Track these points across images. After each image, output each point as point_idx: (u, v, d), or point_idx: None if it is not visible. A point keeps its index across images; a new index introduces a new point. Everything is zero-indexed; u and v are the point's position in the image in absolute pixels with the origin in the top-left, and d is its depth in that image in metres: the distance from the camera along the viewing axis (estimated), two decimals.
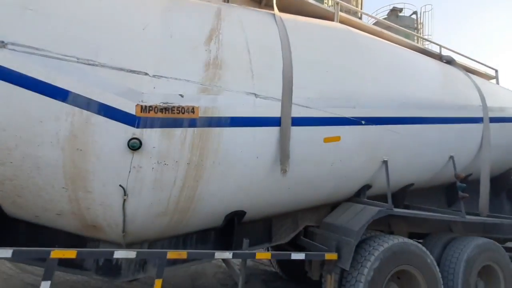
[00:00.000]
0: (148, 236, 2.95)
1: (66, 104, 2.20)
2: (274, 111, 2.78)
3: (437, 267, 3.49)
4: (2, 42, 2.08)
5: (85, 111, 2.24)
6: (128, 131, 2.31)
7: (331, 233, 3.35)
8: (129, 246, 2.89)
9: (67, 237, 2.79)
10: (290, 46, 2.98)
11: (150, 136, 2.38)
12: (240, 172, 2.78)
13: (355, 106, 3.16)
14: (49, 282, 2.14)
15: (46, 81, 2.15)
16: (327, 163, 3.16)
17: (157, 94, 2.39)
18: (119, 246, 2.83)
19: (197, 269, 5.24)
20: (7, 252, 2.10)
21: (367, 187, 3.79)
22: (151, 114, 2.37)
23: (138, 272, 2.97)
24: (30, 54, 2.13)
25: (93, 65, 2.26)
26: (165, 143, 2.43)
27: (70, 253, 2.22)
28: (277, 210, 3.45)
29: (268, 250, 4.98)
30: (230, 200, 2.94)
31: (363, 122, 3.20)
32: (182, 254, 2.47)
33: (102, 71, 2.27)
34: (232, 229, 3.20)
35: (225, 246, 3.33)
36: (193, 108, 2.47)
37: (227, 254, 2.59)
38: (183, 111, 2.44)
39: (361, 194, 3.78)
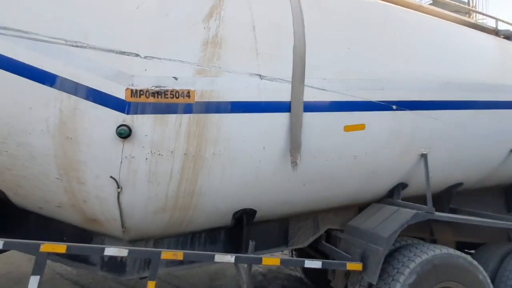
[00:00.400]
0: (150, 233, 2.77)
1: (54, 89, 2.08)
2: (283, 94, 2.42)
3: (491, 285, 2.83)
4: None
5: (73, 97, 2.09)
6: (118, 118, 2.13)
7: (356, 238, 2.88)
8: (132, 242, 2.76)
9: (75, 230, 2.72)
10: (303, 21, 2.59)
11: (142, 123, 2.17)
12: (245, 165, 2.46)
13: (383, 88, 2.66)
14: (38, 277, 2.04)
15: (34, 65, 2.05)
16: (349, 156, 2.71)
17: (148, 77, 2.17)
18: (122, 242, 2.69)
19: (217, 269, 5.03)
20: None
21: (401, 186, 3.24)
22: (142, 99, 2.16)
23: (143, 271, 2.81)
24: (19, 37, 2.04)
25: (81, 47, 2.11)
26: (158, 131, 2.20)
27: (59, 248, 2.10)
28: (293, 210, 3.07)
29: (292, 255, 4.60)
30: (236, 197, 2.64)
31: (394, 107, 2.69)
32: (178, 255, 2.23)
33: (90, 53, 2.12)
34: (242, 229, 2.91)
35: (235, 247, 3.04)
36: (188, 92, 2.22)
37: (229, 258, 2.30)
38: (177, 95, 2.20)
39: (395, 194, 3.24)
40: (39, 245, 2.06)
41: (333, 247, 3.15)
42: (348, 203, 3.30)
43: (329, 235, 3.39)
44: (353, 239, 2.93)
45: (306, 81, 2.47)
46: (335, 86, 2.53)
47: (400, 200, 3.18)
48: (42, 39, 2.06)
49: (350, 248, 2.90)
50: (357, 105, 2.59)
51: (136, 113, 2.15)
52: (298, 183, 2.66)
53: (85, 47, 2.12)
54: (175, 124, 2.22)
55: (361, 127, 2.62)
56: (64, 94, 2.09)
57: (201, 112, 2.25)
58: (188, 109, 2.22)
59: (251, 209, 2.79)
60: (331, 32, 2.66)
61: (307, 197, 2.89)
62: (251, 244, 2.50)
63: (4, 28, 2.03)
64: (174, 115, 2.21)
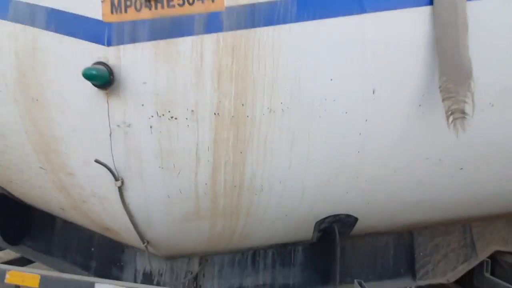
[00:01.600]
0: (189, 249, 1.85)
1: (6, 22, 1.27)
2: None
3: None
4: None
5: (30, 28, 1.25)
6: (94, 55, 1.19)
7: None
8: (170, 259, 1.93)
9: (104, 238, 2.00)
10: None
11: (135, 60, 1.19)
12: (335, 128, 1.26)
13: None
14: None
15: None
16: None
17: None
18: (160, 257, 1.87)
19: None
20: None
21: None
22: (131, 14, 1.17)
23: None
24: None
25: None
26: (163, 73, 1.19)
27: (31, 280, 1.29)
28: (427, 217, 1.69)
29: None
30: (320, 192, 1.45)
31: None
32: None
33: None
34: (333, 247, 1.71)
35: (322, 275, 1.87)
36: None
37: None
38: (191, 0, 1.14)
39: None
40: (4, 271, 1.29)
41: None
42: None
43: (494, 261, 1.88)
44: None
45: None
46: None
47: None
48: None
49: None
50: None
51: (122, 42, 1.18)
52: (448, 167, 1.29)
53: None
54: (193, 56, 1.17)
55: None
56: (18, 26, 1.26)
57: (238, 27, 1.14)
58: (213, 23, 1.14)
59: (347, 215, 1.56)
60: None
61: (460, 195, 1.48)
62: (357, 284, 1.25)
63: None
64: (189, 39, 1.16)
